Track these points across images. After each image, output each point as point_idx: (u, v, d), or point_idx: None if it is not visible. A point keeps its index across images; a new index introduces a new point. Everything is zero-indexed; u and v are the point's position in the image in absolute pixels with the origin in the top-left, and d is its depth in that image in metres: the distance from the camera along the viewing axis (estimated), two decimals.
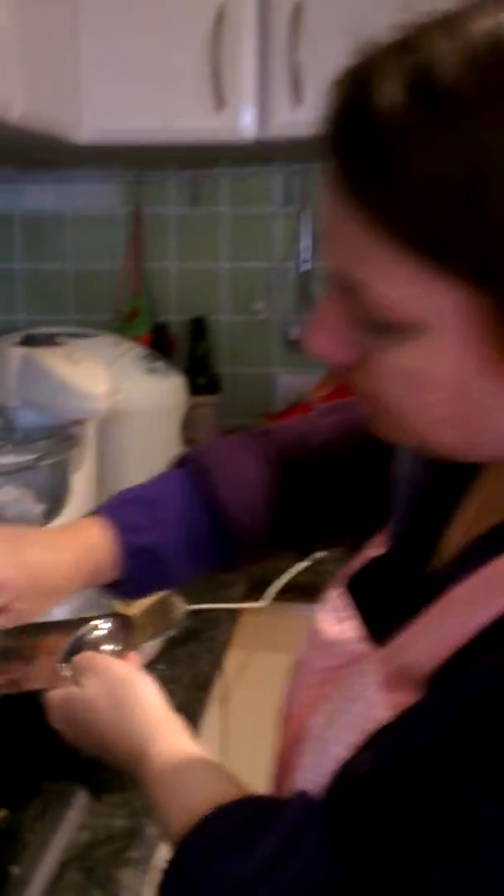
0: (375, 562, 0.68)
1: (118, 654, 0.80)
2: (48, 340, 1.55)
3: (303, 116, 1.54)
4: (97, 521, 0.77)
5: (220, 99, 1.60)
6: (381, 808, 0.52)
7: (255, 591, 1.45)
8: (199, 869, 0.58)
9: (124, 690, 0.72)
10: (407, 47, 0.46)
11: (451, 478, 0.63)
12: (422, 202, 0.45)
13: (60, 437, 1.42)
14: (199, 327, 1.99)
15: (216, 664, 1.24)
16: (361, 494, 0.77)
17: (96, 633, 0.82)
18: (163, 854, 0.67)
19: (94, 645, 0.81)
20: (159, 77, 1.62)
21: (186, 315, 2.02)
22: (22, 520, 1.32)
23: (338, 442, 0.82)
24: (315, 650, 0.66)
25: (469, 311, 0.47)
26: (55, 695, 0.75)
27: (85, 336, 1.77)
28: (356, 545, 0.72)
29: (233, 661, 1.42)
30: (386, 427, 0.57)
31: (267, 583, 1.46)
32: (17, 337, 1.54)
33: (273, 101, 1.62)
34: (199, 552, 0.79)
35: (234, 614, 1.40)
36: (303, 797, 0.57)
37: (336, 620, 0.66)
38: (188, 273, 2.04)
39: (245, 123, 1.62)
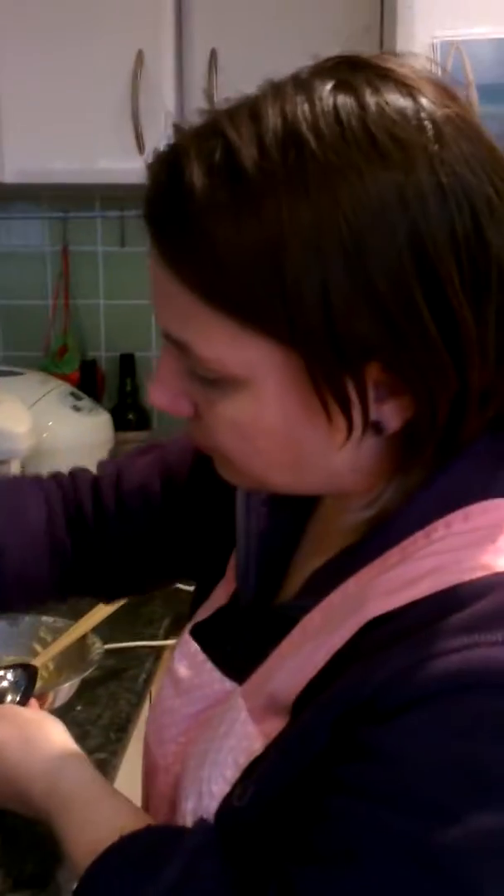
0: (226, 607, 0.70)
1: (20, 705, 0.80)
2: None
3: None
4: None
5: (140, 141, 1.62)
6: (265, 833, 0.54)
7: (178, 627, 1.45)
8: None
9: (32, 731, 0.74)
10: (213, 131, 0.50)
11: (287, 520, 0.67)
12: (228, 274, 0.49)
13: None
14: (128, 364, 2.01)
15: (138, 703, 1.25)
16: (179, 535, 0.79)
17: None
18: None
19: None
20: (81, 119, 1.64)
21: (116, 351, 2.03)
22: None
23: (150, 484, 0.83)
24: (177, 698, 0.68)
25: (286, 368, 0.51)
26: None
27: (12, 374, 1.78)
28: (201, 583, 0.75)
29: None
30: (225, 471, 0.60)
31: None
32: None
33: None
34: None
35: (157, 651, 1.40)
36: (203, 824, 0.59)
37: (192, 666, 0.68)
38: (117, 310, 2.05)
39: None
